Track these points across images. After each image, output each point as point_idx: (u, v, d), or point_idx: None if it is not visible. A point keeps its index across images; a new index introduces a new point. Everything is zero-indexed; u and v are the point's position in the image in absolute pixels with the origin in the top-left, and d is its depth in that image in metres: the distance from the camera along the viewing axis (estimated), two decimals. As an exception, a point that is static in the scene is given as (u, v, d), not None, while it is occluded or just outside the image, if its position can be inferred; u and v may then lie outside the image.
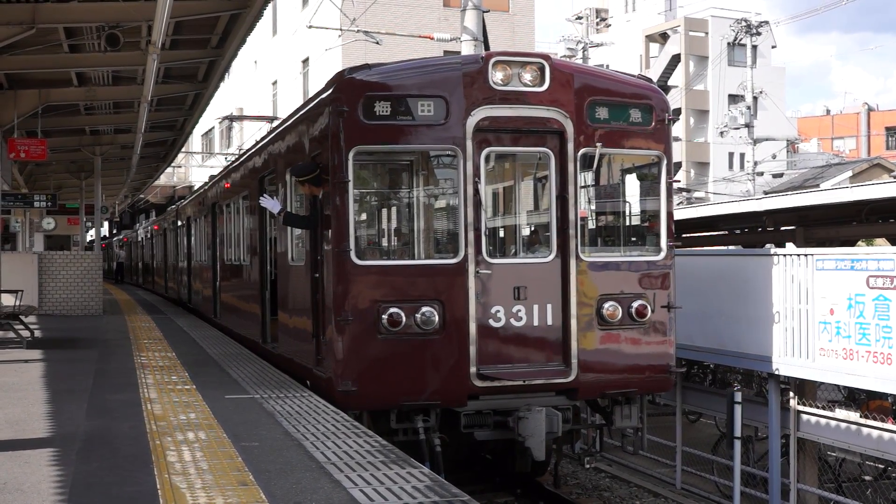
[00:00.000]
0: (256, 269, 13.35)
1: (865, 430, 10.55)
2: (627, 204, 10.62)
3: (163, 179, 47.49)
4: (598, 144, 9.63)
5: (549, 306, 9.45)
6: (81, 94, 19.65)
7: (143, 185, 43.80)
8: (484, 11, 14.89)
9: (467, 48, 14.51)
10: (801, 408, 11.42)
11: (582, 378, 9.46)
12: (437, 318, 9.05)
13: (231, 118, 31.55)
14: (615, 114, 9.80)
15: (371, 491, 5.69)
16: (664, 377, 9.97)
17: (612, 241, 10.61)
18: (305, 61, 41.14)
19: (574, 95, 9.58)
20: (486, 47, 14.69)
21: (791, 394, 11.50)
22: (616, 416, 9.99)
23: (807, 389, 11.62)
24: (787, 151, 55.09)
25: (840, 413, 11.10)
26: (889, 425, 10.41)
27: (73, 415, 8.44)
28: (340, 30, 23.72)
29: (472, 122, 9.25)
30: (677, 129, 55.05)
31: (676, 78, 59.57)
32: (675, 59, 59.90)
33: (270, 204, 10.61)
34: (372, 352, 9.06)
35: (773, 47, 61.87)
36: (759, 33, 44.87)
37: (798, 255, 11.16)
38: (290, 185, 11.22)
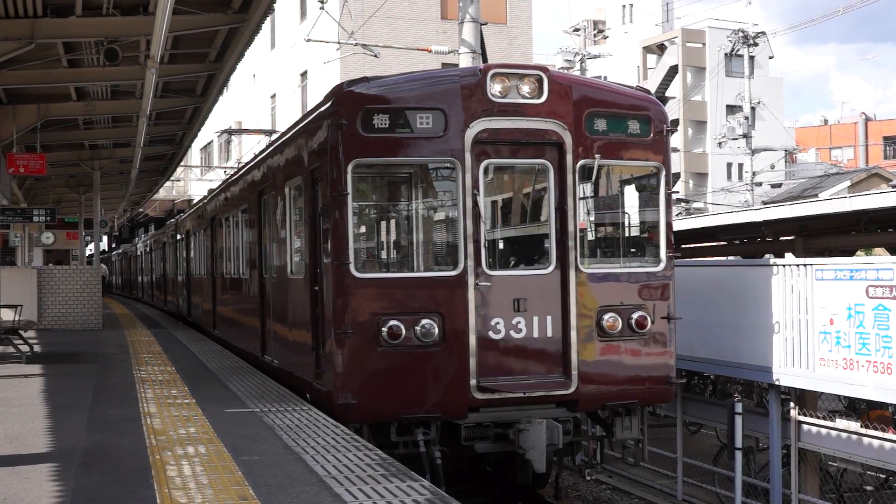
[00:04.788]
0: (256, 282, 13.34)
1: (866, 440, 10.54)
2: (626, 215, 10.61)
3: (162, 193, 47.47)
4: (597, 156, 9.64)
5: (548, 318, 9.44)
6: (80, 108, 19.69)
7: (143, 199, 43.82)
8: (482, 24, 14.90)
9: (465, 60, 14.53)
10: (801, 418, 11.41)
11: (582, 390, 9.44)
12: (436, 330, 9.04)
13: (230, 132, 31.60)
14: (613, 125, 9.81)
15: (372, 504, 5.69)
16: (664, 388, 9.96)
17: (611, 252, 10.60)
18: (304, 74, 41.21)
19: (572, 107, 9.59)
20: (484, 59, 14.71)
21: (792, 404, 11.49)
22: (617, 428, 9.98)
23: (807, 400, 11.61)
24: (786, 161, 55.12)
25: (841, 423, 11.09)
26: (890, 435, 10.39)
27: (73, 429, 8.42)
28: (338, 43, 23.73)
29: (470, 134, 9.26)
30: (676, 140, 55.12)
31: (674, 89, 59.69)
32: (673, 70, 60.04)
33: None
34: (372, 364, 9.04)
35: (771, 58, 62.01)
36: (756, 44, 44.98)
37: (797, 266, 11.16)
38: (289, 197, 11.23)
